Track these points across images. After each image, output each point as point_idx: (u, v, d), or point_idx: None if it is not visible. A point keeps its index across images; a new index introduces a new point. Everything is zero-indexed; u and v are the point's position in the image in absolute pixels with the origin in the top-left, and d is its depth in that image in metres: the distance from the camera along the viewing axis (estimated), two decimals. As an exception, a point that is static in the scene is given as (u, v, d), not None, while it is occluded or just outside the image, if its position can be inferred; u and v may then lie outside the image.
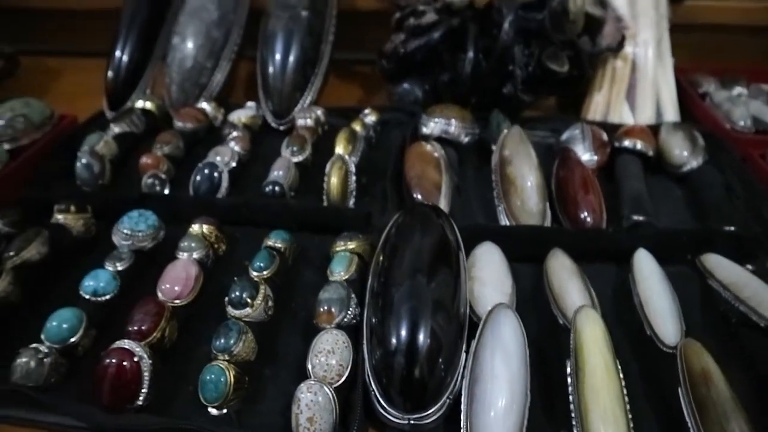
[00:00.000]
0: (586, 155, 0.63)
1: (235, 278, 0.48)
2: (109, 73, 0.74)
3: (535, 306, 0.51)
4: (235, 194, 0.62)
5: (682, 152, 0.65)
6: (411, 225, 0.49)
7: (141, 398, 0.43)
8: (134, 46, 0.74)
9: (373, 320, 0.44)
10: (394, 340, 0.41)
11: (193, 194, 0.61)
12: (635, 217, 0.57)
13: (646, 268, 0.51)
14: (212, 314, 0.50)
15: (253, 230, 0.58)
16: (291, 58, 0.71)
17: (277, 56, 0.71)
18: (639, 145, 0.65)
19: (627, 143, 0.66)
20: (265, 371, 0.46)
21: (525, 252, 0.54)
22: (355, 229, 0.55)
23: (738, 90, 0.77)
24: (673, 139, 0.67)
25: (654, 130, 0.69)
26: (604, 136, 0.66)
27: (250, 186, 0.64)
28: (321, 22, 0.74)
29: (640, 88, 0.71)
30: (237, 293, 0.46)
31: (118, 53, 0.74)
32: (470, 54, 0.67)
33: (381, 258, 0.48)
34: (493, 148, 0.66)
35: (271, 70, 0.71)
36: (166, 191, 0.62)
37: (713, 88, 0.77)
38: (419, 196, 0.58)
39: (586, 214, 0.57)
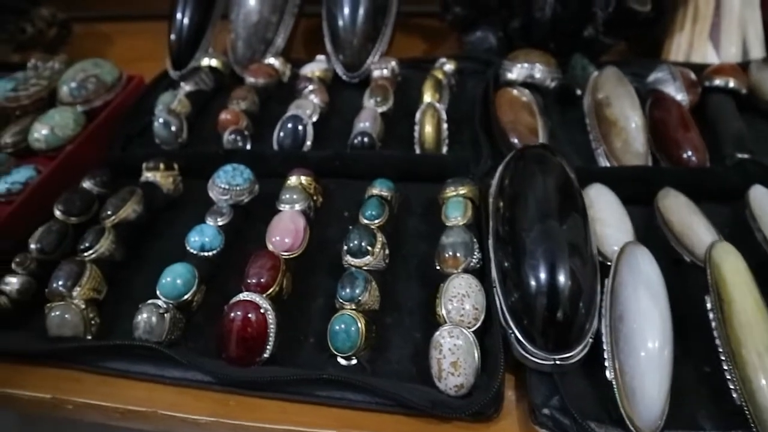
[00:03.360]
0: (678, 96, 0.61)
1: (351, 227, 0.47)
2: (172, 36, 0.72)
3: (648, 246, 0.49)
4: (318, 147, 0.60)
5: (777, 88, 0.63)
6: (528, 168, 0.47)
7: (267, 351, 0.42)
8: (194, 6, 0.72)
9: (505, 264, 0.43)
10: (533, 283, 0.40)
11: (278, 148, 0.59)
12: (740, 155, 0.55)
13: (766, 204, 0.49)
14: (321, 266, 0.49)
15: (347, 181, 0.56)
16: (361, 9, 0.68)
17: (347, 8, 0.68)
18: (731, 83, 0.63)
19: (718, 82, 0.63)
20: (387, 319, 0.45)
21: (632, 193, 0.52)
22: (455, 175, 0.53)
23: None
24: (766, 75, 0.64)
25: (742, 68, 0.67)
26: (693, 76, 0.64)
27: (331, 138, 0.62)
28: (387, -29, 0.71)
29: (725, 26, 0.69)
30: (356, 242, 0.45)
31: (179, 15, 0.72)
32: (550, -4, 0.65)
33: (501, 203, 0.46)
34: (578, 92, 0.64)
35: (340, 22, 0.69)
36: (248, 146, 0.61)
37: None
38: (516, 140, 0.56)
39: (690, 153, 0.55)
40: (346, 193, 0.55)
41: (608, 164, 0.55)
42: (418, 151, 0.57)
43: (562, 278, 0.40)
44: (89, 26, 0.88)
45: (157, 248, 0.53)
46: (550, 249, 0.41)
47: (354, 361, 0.42)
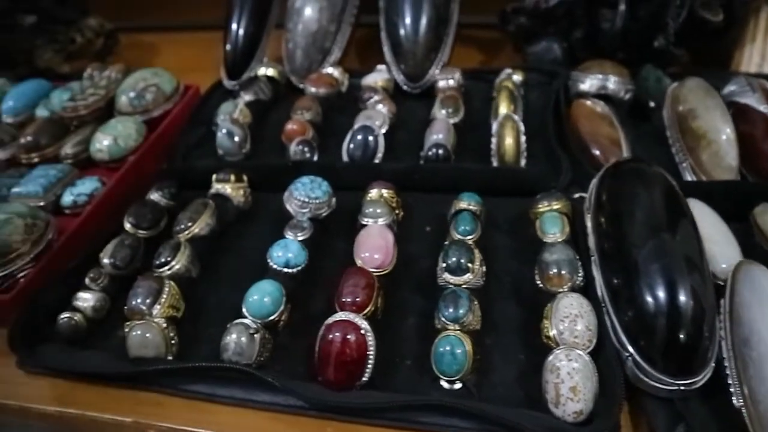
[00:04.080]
0: (760, 108, 0.59)
1: (447, 243, 0.45)
2: (228, 46, 0.70)
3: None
4: (385, 159, 0.58)
5: None
6: (628, 181, 0.45)
7: (366, 374, 0.39)
8: (250, 16, 0.70)
9: (615, 281, 0.41)
10: (651, 301, 0.38)
11: (348, 159, 0.57)
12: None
13: None
14: (410, 283, 0.47)
15: (423, 195, 0.54)
16: (424, 19, 0.66)
17: (409, 17, 0.66)
18: (809, 96, 0.61)
19: (796, 95, 0.62)
20: (487, 340, 0.43)
21: (724, 208, 0.50)
22: (536, 189, 0.51)
23: None
24: (843, 88, 0.62)
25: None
26: (769, 88, 0.62)
27: (398, 150, 0.60)
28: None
29: (797, 37, 0.67)
30: (454, 259, 0.42)
31: (234, 25, 0.70)
32: (622, 7, 0.63)
33: (601, 218, 0.44)
34: (651, 104, 0.62)
35: (402, 31, 0.67)
36: (315, 158, 0.59)
37: None
38: (597, 152, 0.54)
39: (779, 166, 0.53)
40: (424, 207, 0.53)
41: (694, 178, 0.53)
42: (495, 164, 0.55)
43: (683, 297, 0.38)
44: (134, 36, 0.87)
45: (230, 263, 0.51)
46: (667, 265, 0.39)
47: (459, 386, 0.39)
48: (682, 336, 0.37)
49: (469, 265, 0.42)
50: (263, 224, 0.54)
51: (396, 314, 0.45)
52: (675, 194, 0.44)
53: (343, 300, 0.41)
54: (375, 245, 0.45)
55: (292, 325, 0.44)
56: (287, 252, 0.46)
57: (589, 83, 0.61)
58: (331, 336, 0.39)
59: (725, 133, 0.53)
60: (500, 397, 0.39)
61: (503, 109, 0.57)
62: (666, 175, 0.45)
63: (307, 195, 0.50)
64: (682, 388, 0.37)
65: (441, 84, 0.64)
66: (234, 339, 0.40)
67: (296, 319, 0.45)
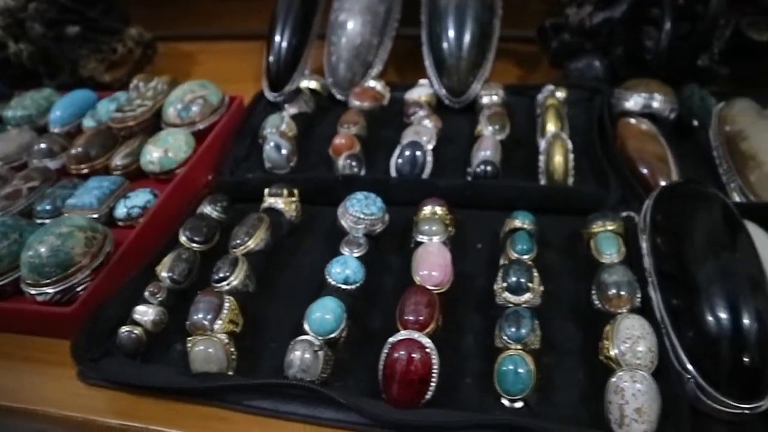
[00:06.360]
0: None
1: (505, 262, 0.45)
2: (271, 58, 0.71)
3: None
4: (432, 175, 0.59)
5: None
6: (684, 202, 0.46)
7: (430, 392, 0.40)
8: (293, 27, 0.71)
9: (674, 302, 0.41)
10: (713, 322, 0.38)
11: (396, 175, 0.58)
12: None
13: None
14: (467, 301, 0.47)
15: (473, 212, 0.54)
16: (468, 33, 0.67)
17: (453, 31, 0.67)
18: None
19: (839, 115, 0.62)
20: (546, 360, 0.43)
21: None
22: (587, 208, 0.51)
23: None
24: None
25: None
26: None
27: (443, 165, 0.60)
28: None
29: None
30: (515, 278, 0.43)
31: (277, 37, 0.71)
32: (668, 25, 0.63)
33: (658, 239, 0.45)
34: (695, 122, 0.63)
35: (445, 45, 0.67)
36: (362, 172, 0.59)
37: None
38: (645, 171, 0.54)
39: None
40: (475, 225, 0.53)
41: (743, 200, 0.54)
42: (543, 182, 0.56)
43: (747, 318, 0.38)
44: (172, 45, 0.88)
45: (285, 279, 0.51)
46: (729, 285, 0.39)
47: (520, 404, 0.40)
48: (746, 359, 0.38)
49: (529, 284, 0.43)
50: (316, 239, 0.54)
51: (454, 332, 0.45)
52: (732, 215, 0.44)
53: (406, 318, 0.41)
54: (434, 263, 0.46)
55: (352, 343, 0.45)
56: (346, 268, 0.46)
57: (633, 101, 0.62)
58: (396, 354, 0.39)
59: (776, 155, 0.53)
60: (564, 417, 0.40)
61: (551, 126, 0.57)
62: (722, 196, 0.46)
63: (362, 211, 0.50)
64: (747, 411, 0.37)
65: (485, 100, 0.65)
66: (299, 356, 0.41)
67: (356, 336, 0.45)
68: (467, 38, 0.67)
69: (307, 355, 0.41)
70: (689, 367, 0.39)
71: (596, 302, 0.43)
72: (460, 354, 0.44)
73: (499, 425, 0.38)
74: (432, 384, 0.40)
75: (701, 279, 0.40)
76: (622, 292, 0.42)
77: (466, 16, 0.68)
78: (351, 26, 0.70)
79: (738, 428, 0.38)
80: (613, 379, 0.38)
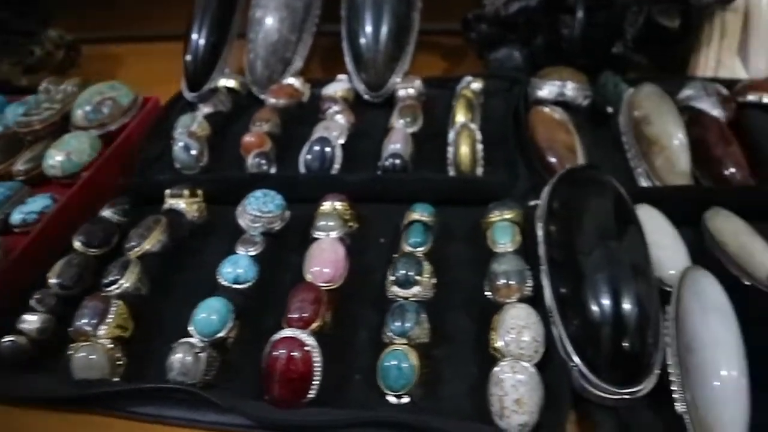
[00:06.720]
0: (714, 112, 0.59)
1: (395, 256, 0.44)
2: (188, 56, 0.69)
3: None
4: (344, 170, 0.58)
5: (811, 102, 0.62)
6: (579, 189, 0.45)
7: (313, 391, 0.39)
8: (210, 26, 0.69)
9: (562, 290, 0.41)
10: (597, 310, 0.38)
11: (305, 171, 0.57)
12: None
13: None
14: (362, 297, 0.47)
15: (380, 206, 0.54)
16: (385, 28, 0.66)
17: (370, 25, 0.66)
18: (766, 99, 0.61)
19: (752, 97, 0.61)
20: (437, 353, 0.42)
21: (677, 214, 0.50)
22: (494, 198, 0.51)
23: None
24: (800, 90, 0.63)
25: (773, 82, 0.65)
26: (725, 92, 0.63)
27: (358, 160, 0.59)
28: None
29: (753, 40, 0.67)
30: (403, 271, 0.42)
31: (194, 35, 0.69)
32: (580, 14, 0.63)
33: (552, 227, 0.44)
34: (609, 109, 0.62)
35: (363, 40, 0.67)
36: (273, 170, 0.58)
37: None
38: (554, 160, 0.54)
39: (732, 170, 0.53)
40: (380, 219, 0.53)
41: (649, 184, 0.54)
42: (451, 173, 0.55)
43: (628, 305, 0.38)
44: (99, 48, 0.86)
45: (183, 280, 0.50)
46: (613, 273, 0.39)
47: (406, 400, 0.39)
48: (626, 345, 0.37)
49: (417, 277, 0.42)
50: (220, 239, 0.53)
51: (347, 328, 0.44)
52: (623, 201, 0.44)
53: (290, 316, 0.41)
54: (325, 259, 0.45)
55: (243, 343, 0.44)
56: (237, 268, 0.45)
57: (547, 90, 0.62)
58: (276, 353, 0.39)
59: (677, 138, 0.53)
60: (450, 410, 0.39)
61: (460, 117, 0.57)
62: (615, 183, 0.45)
63: (259, 209, 0.49)
64: (627, 397, 0.37)
65: (401, 93, 0.64)
66: (178, 358, 0.40)
67: (247, 336, 0.44)
68: (384, 32, 0.66)
69: (188, 358, 0.40)
70: (573, 355, 0.38)
71: (487, 292, 0.43)
72: (352, 350, 0.43)
73: (380, 422, 0.37)
74: (314, 382, 0.39)
75: (586, 267, 0.40)
76: (511, 282, 0.42)
77: (383, 10, 0.67)
78: (267, 23, 0.69)
79: (625, 414, 0.38)
80: (495, 371, 0.38)
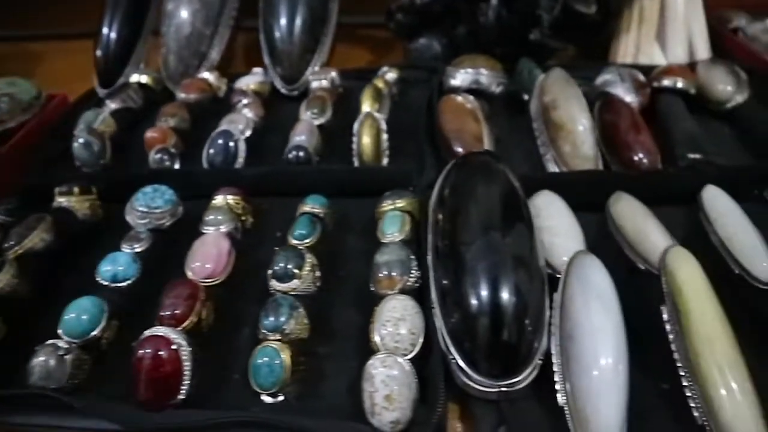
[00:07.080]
0: (627, 97, 0.59)
1: (276, 248, 0.43)
2: (98, 52, 0.68)
3: (600, 254, 0.46)
4: (253, 164, 0.56)
5: (726, 87, 0.61)
6: (470, 176, 0.44)
7: (182, 392, 0.37)
8: (122, 20, 0.68)
9: (444, 282, 0.39)
10: (474, 301, 0.36)
11: (209, 166, 0.55)
12: (692, 156, 0.53)
13: (720, 205, 0.46)
14: (249, 292, 0.45)
15: (281, 200, 0.52)
16: (299, 19, 0.65)
17: (284, 17, 0.65)
18: (680, 83, 0.61)
19: (666, 82, 0.61)
20: (320, 349, 0.41)
21: (583, 199, 0.49)
22: (397, 188, 0.49)
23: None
24: (714, 75, 0.62)
25: (690, 68, 0.65)
26: (641, 77, 0.62)
27: (267, 154, 0.58)
28: (325, -21, 0.68)
29: (671, 27, 0.67)
30: (281, 264, 0.41)
31: (105, 30, 0.68)
32: (493, 1, 0.62)
33: (440, 215, 0.42)
34: (525, 96, 0.61)
35: (277, 33, 0.65)
36: (176, 166, 0.56)
37: (744, 23, 0.72)
38: (460, 149, 0.53)
39: (641, 155, 0.52)
40: (281, 213, 0.51)
41: (557, 170, 0.53)
42: (356, 164, 0.54)
43: (505, 295, 0.36)
44: (16, 46, 0.83)
45: (70, 281, 0.47)
46: (493, 263, 0.37)
47: (281, 398, 0.37)
48: (503, 335, 0.36)
49: (296, 271, 0.40)
50: (113, 238, 0.50)
51: (231, 326, 0.43)
52: (513, 190, 0.42)
53: (162, 314, 0.39)
54: (207, 254, 0.43)
55: (120, 343, 0.42)
56: (116, 265, 0.43)
57: (460, 78, 0.60)
58: (141, 353, 0.37)
59: (582, 123, 0.52)
60: (327, 409, 0.37)
61: (365, 107, 0.55)
62: (507, 170, 0.44)
63: (147, 205, 0.47)
64: (503, 389, 0.36)
65: (314, 85, 0.63)
66: (40, 362, 0.37)
67: (128, 336, 0.42)
68: (298, 24, 0.65)
69: (51, 361, 0.38)
70: (451, 348, 0.37)
71: (370, 285, 0.41)
72: (233, 348, 0.41)
73: (244, 422, 0.35)
74: (184, 383, 0.37)
75: (468, 257, 0.38)
76: (393, 273, 0.40)
77: (297, 2, 0.65)
78: (180, 16, 0.67)
79: (505, 406, 0.37)
80: (366, 366, 0.36)
